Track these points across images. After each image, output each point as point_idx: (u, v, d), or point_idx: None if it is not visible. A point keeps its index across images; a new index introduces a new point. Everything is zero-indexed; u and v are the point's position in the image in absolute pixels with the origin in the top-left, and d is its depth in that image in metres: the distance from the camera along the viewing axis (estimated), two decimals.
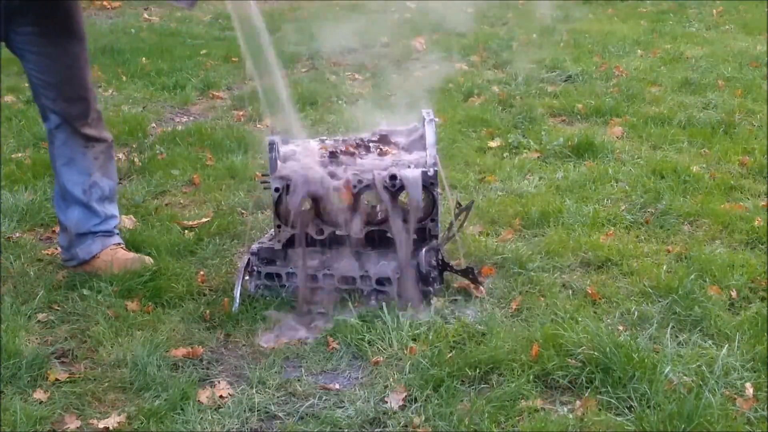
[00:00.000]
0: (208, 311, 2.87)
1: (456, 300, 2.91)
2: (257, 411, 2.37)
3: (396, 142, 3.13)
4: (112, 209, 3.20)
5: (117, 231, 3.22)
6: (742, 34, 7.44)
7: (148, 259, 3.16)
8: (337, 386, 2.48)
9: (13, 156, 4.43)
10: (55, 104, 3.00)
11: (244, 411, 2.36)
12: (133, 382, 2.48)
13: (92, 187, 3.11)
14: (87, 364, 2.60)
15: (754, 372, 2.45)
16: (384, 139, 3.13)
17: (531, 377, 2.43)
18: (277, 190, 2.91)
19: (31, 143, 4.65)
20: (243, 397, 2.42)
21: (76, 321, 2.84)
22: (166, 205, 3.84)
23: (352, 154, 3.06)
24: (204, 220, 3.62)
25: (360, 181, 2.88)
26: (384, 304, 2.80)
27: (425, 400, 2.36)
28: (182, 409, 2.35)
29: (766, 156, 4.20)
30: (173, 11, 9.13)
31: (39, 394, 2.43)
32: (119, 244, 3.19)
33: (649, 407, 2.28)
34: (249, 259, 2.98)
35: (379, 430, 2.29)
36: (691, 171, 4.01)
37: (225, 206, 3.78)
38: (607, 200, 3.75)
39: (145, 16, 8.90)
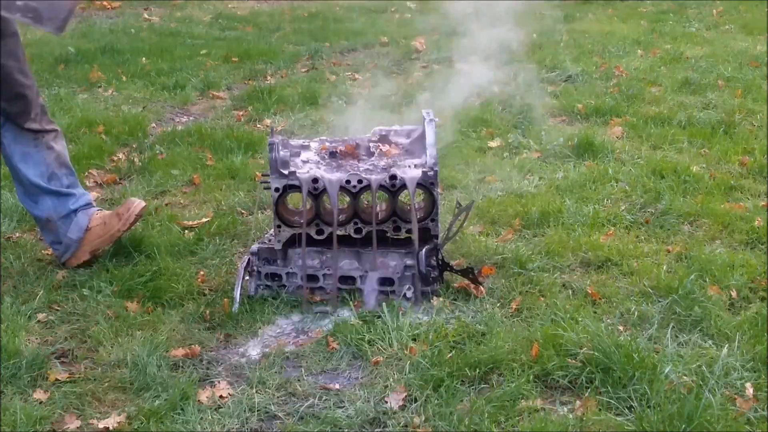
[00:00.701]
0: (208, 311, 2.87)
1: (456, 300, 2.91)
2: (257, 411, 2.37)
3: (396, 142, 3.13)
4: (80, 190, 3.22)
5: (94, 204, 3.25)
6: (742, 34, 7.45)
7: (137, 200, 3.20)
8: (337, 386, 2.48)
9: None
10: None
11: (244, 411, 2.36)
12: (133, 382, 2.48)
13: (51, 179, 3.12)
14: (87, 364, 2.60)
15: (754, 372, 2.45)
16: (384, 139, 3.13)
17: (531, 377, 2.43)
18: (277, 190, 2.91)
19: None
20: (243, 397, 2.42)
21: (76, 321, 2.84)
22: (166, 205, 3.84)
23: (353, 155, 3.06)
24: (204, 220, 3.62)
25: (360, 182, 2.88)
26: (384, 304, 2.81)
27: (425, 400, 2.36)
28: (182, 409, 2.35)
29: (766, 156, 4.20)
30: (173, 11, 9.14)
31: (39, 394, 2.43)
32: (99, 210, 3.22)
33: (649, 407, 2.28)
34: (249, 259, 2.98)
35: (379, 430, 2.29)
36: (691, 171, 4.01)
37: (225, 206, 3.78)
38: (607, 200, 3.75)
39: (145, 16, 8.91)
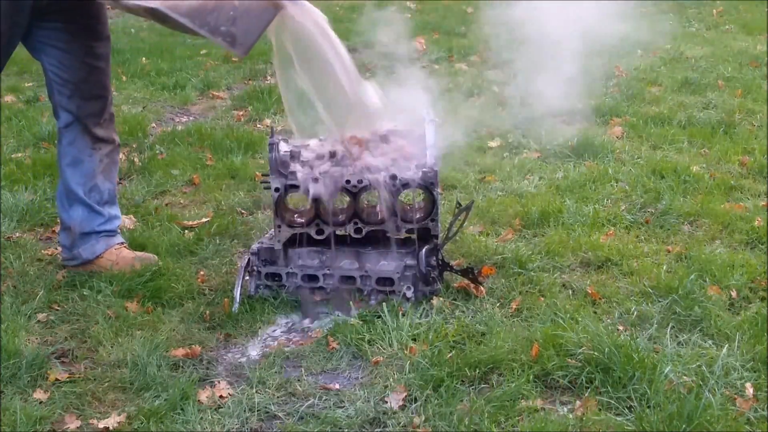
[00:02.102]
0: (208, 311, 2.87)
1: (456, 300, 2.91)
2: (257, 411, 2.37)
3: (396, 142, 3.12)
4: (114, 210, 3.20)
5: (119, 231, 3.23)
6: (742, 34, 7.45)
7: (154, 257, 3.16)
8: (337, 386, 2.48)
9: (13, 156, 4.43)
10: (70, 102, 3.00)
11: (244, 411, 2.36)
12: (133, 382, 2.48)
13: (91, 191, 3.11)
14: (87, 364, 2.60)
15: (754, 372, 2.45)
16: (384, 139, 3.12)
17: (531, 377, 2.43)
18: (277, 190, 2.91)
19: (31, 143, 4.66)
20: (243, 397, 2.42)
21: (76, 321, 2.84)
22: (166, 205, 3.84)
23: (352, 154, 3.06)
24: (204, 220, 3.62)
25: (360, 182, 2.88)
26: (384, 304, 2.81)
27: (425, 400, 2.36)
28: (182, 409, 2.35)
29: (766, 156, 4.20)
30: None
31: (39, 394, 2.43)
32: (122, 243, 3.19)
33: (649, 407, 2.28)
34: (249, 259, 2.98)
35: (379, 430, 2.29)
36: (691, 171, 4.01)
37: (225, 206, 3.78)
38: (607, 200, 3.75)
39: None
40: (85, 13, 2.95)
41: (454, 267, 2.99)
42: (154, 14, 2.62)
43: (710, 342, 2.61)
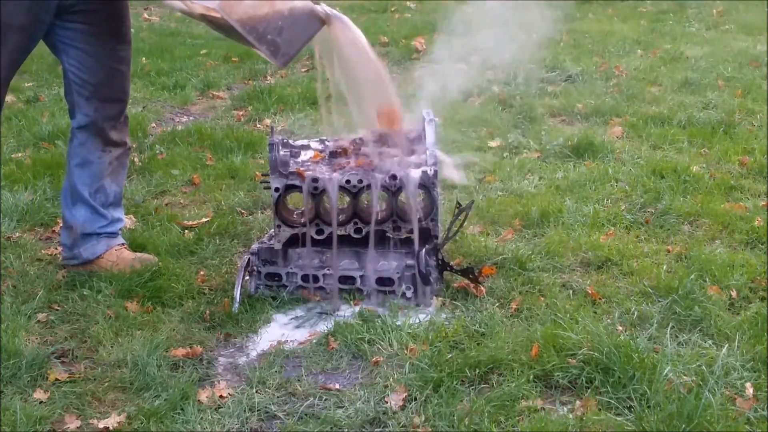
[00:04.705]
0: (208, 311, 2.87)
1: (456, 300, 2.91)
2: (257, 411, 2.37)
3: (395, 142, 3.13)
4: (118, 213, 3.20)
5: (120, 232, 3.23)
6: (742, 34, 7.45)
7: (154, 258, 3.16)
8: (337, 386, 2.48)
9: (13, 156, 4.43)
10: (88, 103, 2.99)
11: (244, 411, 2.36)
12: (133, 382, 2.48)
13: (97, 192, 3.10)
14: (87, 364, 2.60)
15: (754, 372, 2.45)
16: (383, 139, 3.13)
17: (531, 377, 2.43)
18: (277, 190, 2.91)
19: (31, 143, 4.66)
20: (243, 397, 2.42)
21: (76, 321, 2.84)
22: (166, 205, 3.84)
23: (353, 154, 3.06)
24: (204, 220, 3.62)
25: (360, 181, 2.88)
26: (383, 304, 2.81)
27: (425, 400, 2.36)
28: (182, 409, 2.35)
29: (766, 156, 4.20)
30: (173, 11, 9.13)
31: (39, 394, 2.43)
32: (123, 244, 3.19)
33: (649, 407, 2.28)
34: (249, 259, 2.98)
35: (379, 430, 2.29)
36: (691, 171, 4.01)
37: (225, 206, 3.78)
38: (607, 200, 3.75)
39: (145, 16, 8.91)
40: (109, 15, 2.94)
41: (454, 267, 3.00)
42: (205, 16, 2.66)
43: (710, 342, 2.61)
